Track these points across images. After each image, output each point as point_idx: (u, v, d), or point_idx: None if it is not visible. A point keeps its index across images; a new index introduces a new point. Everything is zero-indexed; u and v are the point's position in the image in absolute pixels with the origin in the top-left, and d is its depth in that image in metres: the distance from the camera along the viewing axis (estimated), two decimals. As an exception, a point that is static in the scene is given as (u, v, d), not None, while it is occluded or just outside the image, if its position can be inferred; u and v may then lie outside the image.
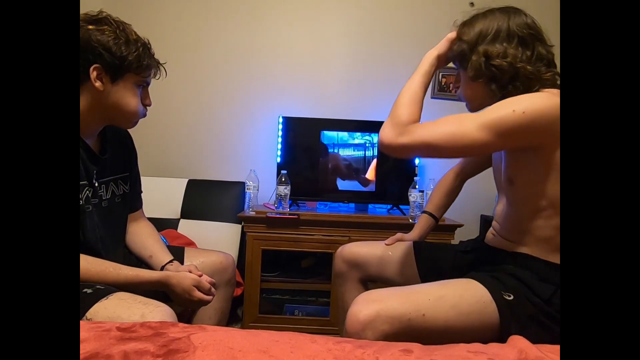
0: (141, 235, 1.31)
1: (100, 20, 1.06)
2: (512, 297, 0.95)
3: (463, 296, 0.95)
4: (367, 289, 1.40)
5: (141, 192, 1.38)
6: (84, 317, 0.94)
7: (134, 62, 1.07)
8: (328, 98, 2.40)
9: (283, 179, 2.04)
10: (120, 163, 1.25)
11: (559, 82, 1.00)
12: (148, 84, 1.16)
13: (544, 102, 0.91)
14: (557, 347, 0.71)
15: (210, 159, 2.43)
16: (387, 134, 1.00)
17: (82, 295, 0.96)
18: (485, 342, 0.91)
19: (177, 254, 1.35)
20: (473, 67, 1.03)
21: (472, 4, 2.36)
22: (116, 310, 0.96)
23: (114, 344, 0.66)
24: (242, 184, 2.22)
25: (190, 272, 1.17)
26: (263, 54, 2.40)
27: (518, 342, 0.74)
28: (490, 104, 1.02)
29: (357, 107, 2.37)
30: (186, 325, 0.76)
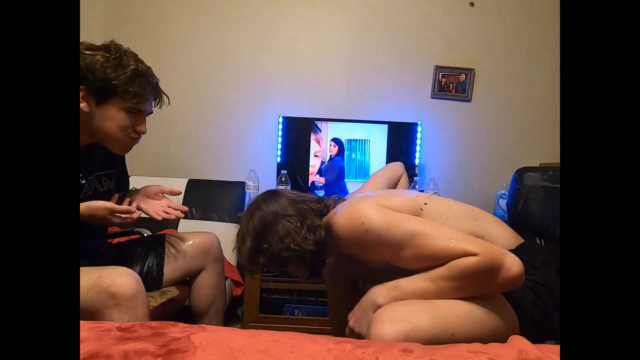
0: None
1: (102, 47, 1.08)
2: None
3: (489, 308, 0.90)
4: (358, 287, 1.39)
5: (128, 185, 1.41)
6: None
7: (120, 86, 1.06)
8: (328, 98, 2.40)
9: (283, 179, 2.04)
10: (105, 160, 1.27)
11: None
12: (142, 111, 1.15)
13: (350, 216, 0.95)
14: (557, 347, 0.71)
15: (210, 159, 2.43)
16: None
17: None
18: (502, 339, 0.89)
19: (157, 241, 1.40)
20: (272, 265, 1.04)
21: (472, 4, 2.36)
22: None
23: (114, 344, 0.66)
24: (242, 184, 2.22)
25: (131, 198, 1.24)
26: (263, 54, 2.40)
27: (518, 342, 0.74)
28: (301, 273, 1.08)
29: (358, 107, 2.37)
30: (186, 325, 0.76)
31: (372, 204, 0.96)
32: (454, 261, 0.87)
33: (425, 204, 1.04)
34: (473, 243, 0.89)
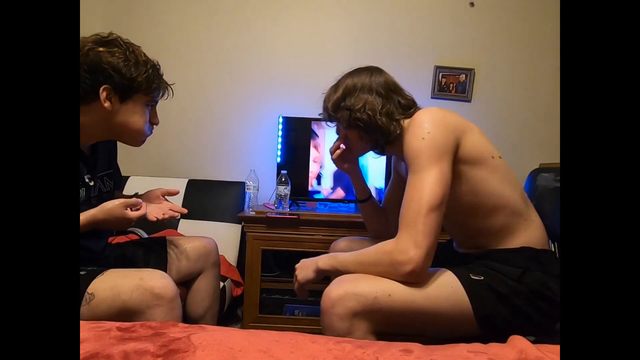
0: None
1: (111, 42, 1.10)
2: (482, 278, 1.00)
3: (431, 281, 0.99)
4: None
5: (122, 182, 1.45)
6: (85, 293, 0.99)
7: (144, 83, 1.11)
8: (328, 98, 2.40)
9: (283, 179, 2.04)
10: (106, 160, 1.29)
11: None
12: (156, 103, 1.20)
13: (434, 115, 1.04)
14: (557, 347, 0.71)
15: (210, 159, 2.43)
16: (406, 269, 0.95)
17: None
18: (461, 325, 0.97)
19: (159, 243, 1.40)
20: (343, 120, 1.18)
21: (472, 4, 2.36)
22: (115, 280, 1.02)
23: (114, 344, 0.66)
24: (242, 184, 2.22)
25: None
26: (263, 54, 2.40)
27: (518, 342, 0.74)
28: (367, 150, 1.24)
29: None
30: (186, 325, 0.76)
31: (447, 127, 1.02)
32: (380, 244, 1.00)
33: (500, 157, 1.09)
34: (416, 232, 0.94)
